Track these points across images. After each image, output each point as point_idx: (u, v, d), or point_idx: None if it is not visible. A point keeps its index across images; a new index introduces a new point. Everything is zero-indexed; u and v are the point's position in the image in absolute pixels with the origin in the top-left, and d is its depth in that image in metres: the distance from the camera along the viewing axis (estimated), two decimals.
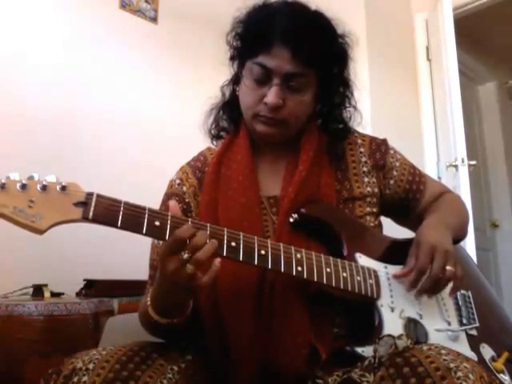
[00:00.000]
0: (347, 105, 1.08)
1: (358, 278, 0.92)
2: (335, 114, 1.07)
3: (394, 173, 1.10)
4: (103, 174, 2.25)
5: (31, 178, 0.72)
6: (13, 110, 2.16)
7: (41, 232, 0.70)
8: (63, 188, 0.73)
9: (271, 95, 0.95)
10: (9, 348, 1.51)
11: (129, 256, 2.03)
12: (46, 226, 0.70)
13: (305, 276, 0.87)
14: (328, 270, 0.89)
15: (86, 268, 2.08)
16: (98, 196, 0.75)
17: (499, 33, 3.72)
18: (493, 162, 4.11)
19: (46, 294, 1.83)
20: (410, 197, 1.12)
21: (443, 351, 0.74)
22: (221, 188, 1.00)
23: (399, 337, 0.80)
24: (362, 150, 1.09)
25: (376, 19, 2.72)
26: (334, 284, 0.89)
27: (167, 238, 0.77)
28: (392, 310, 0.93)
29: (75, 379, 0.76)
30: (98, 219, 0.74)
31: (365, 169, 1.07)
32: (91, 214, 0.73)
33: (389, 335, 0.82)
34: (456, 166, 2.49)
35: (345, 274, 0.91)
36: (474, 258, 2.24)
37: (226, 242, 0.81)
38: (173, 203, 0.83)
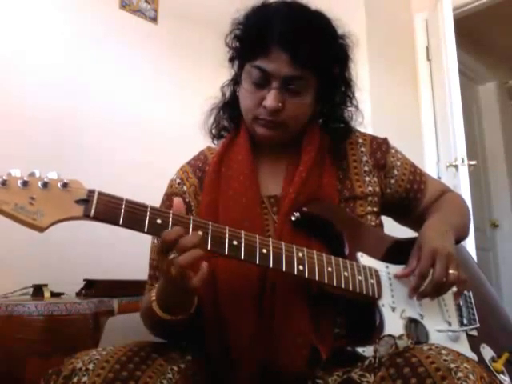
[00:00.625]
0: (348, 104, 1.08)
1: (360, 277, 0.92)
2: (337, 113, 1.07)
3: (395, 172, 1.10)
4: (103, 174, 2.25)
5: (32, 174, 0.71)
6: (13, 110, 2.16)
7: (42, 229, 0.69)
8: (65, 185, 0.72)
9: (270, 99, 0.95)
10: (9, 348, 1.51)
11: (129, 256, 2.03)
12: (47, 223, 0.69)
13: (306, 275, 0.86)
14: (329, 269, 0.89)
15: (85, 268, 2.08)
16: (100, 193, 0.74)
17: (499, 33, 3.73)
18: (493, 162, 4.11)
19: (46, 293, 1.83)
20: (410, 196, 1.12)
21: (444, 351, 0.74)
22: (221, 188, 1.00)
23: (400, 337, 0.80)
24: (363, 149, 1.09)
25: (376, 19, 2.73)
26: (335, 283, 0.89)
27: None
28: (393, 309, 0.93)
29: (75, 379, 0.76)
30: (100, 217, 0.73)
31: (366, 168, 1.07)
32: (93, 211, 0.73)
33: (389, 335, 0.82)
34: (456, 166, 2.49)
35: (346, 274, 0.91)
36: (474, 258, 2.23)
37: (227, 240, 0.81)
38: (178, 200, 0.83)
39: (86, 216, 0.73)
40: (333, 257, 0.91)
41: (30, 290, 1.89)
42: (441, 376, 0.69)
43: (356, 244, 0.97)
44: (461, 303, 1.04)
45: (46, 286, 1.86)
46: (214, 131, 1.13)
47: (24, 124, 2.18)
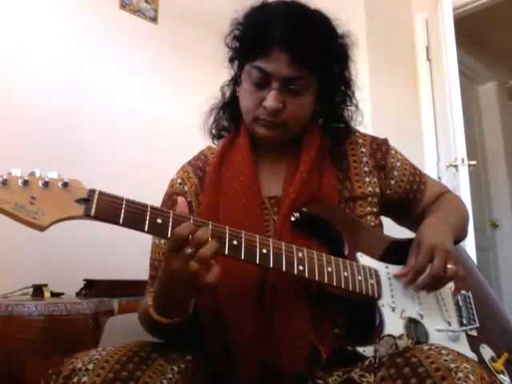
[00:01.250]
0: (348, 104, 1.08)
1: (359, 277, 0.92)
2: (337, 113, 1.07)
3: (395, 173, 1.10)
4: (103, 174, 2.25)
5: (33, 174, 0.72)
6: (13, 110, 2.16)
7: (42, 228, 0.69)
8: (65, 184, 0.72)
9: (270, 99, 0.95)
10: (9, 348, 1.51)
11: (129, 256, 2.03)
12: (48, 222, 0.69)
13: (306, 275, 0.86)
14: (329, 269, 0.89)
15: (85, 268, 2.08)
16: (100, 193, 0.74)
17: (499, 33, 3.73)
18: (493, 162, 4.12)
19: (46, 293, 1.83)
20: (410, 197, 1.12)
21: (444, 351, 0.74)
22: (222, 188, 1.00)
23: (400, 337, 0.80)
24: (363, 149, 1.09)
25: (376, 19, 2.73)
26: (334, 283, 0.89)
27: (169, 235, 0.77)
28: (393, 309, 0.93)
29: (75, 379, 0.76)
30: (100, 216, 0.73)
31: (366, 169, 1.07)
32: (93, 210, 0.73)
33: (389, 335, 0.82)
34: (456, 166, 2.49)
35: (346, 274, 0.91)
36: (474, 258, 2.24)
37: (227, 240, 0.81)
38: (181, 199, 0.83)
39: (87, 215, 0.73)
40: (332, 257, 0.91)
41: (30, 290, 1.89)
42: (441, 376, 0.69)
43: (356, 244, 0.97)
44: (460, 303, 1.04)
45: (46, 285, 1.86)
46: (214, 131, 1.13)
47: (24, 124, 2.18)
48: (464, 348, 0.96)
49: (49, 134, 2.24)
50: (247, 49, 0.99)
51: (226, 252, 0.81)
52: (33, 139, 2.18)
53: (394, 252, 1.01)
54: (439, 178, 2.74)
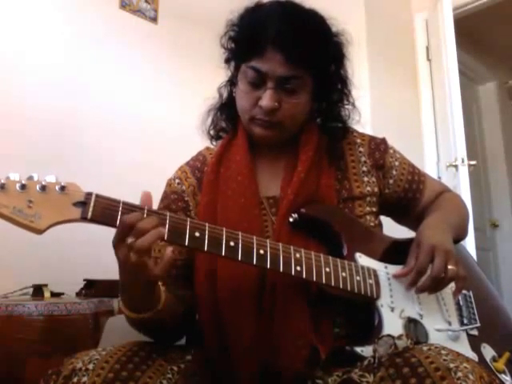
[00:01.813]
0: (345, 102, 1.08)
1: (358, 277, 0.92)
2: (334, 111, 1.07)
3: (394, 172, 1.10)
4: (103, 174, 2.25)
5: (31, 178, 0.72)
6: (13, 110, 2.16)
7: (39, 232, 0.70)
8: (62, 188, 0.73)
9: (266, 99, 0.95)
10: (9, 348, 1.51)
11: None
12: (45, 225, 0.70)
13: (304, 276, 0.86)
14: (327, 269, 0.89)
15: (85, 268, 2.08)
16: (97, 196, 0.75)
17: (499, 33, 3.73)
18: (493, 162, 4.12)
19: (46, 294, 1.83)
20: (409, 196, 1.12)
21: (443, 351, 0.74)
22: (220, 188, 1.00)
23: (399, 337, 0.80)
24: (361, 149, 1.09)
25: (376, 19, 2.73)
26: (333, 283, 0.89)
27: (166, 237, 0.77)
28: (392, 309, 0.93)
29: (75, 379, 0.76)
30: (97, 219, 0.74)
31: (364, 168, 1.07)
32: (90, 214, 0.73)
33: (388, 335, 0.82)
34: (456, 166, 2.49)
35: (344, 274, 0.91)
36: (474, 258, 2.23)
37: (224, 241, 0.81)
38: (146, 192, 0.80)
39: (84, 218, 0.73)
40: (331, 257, 0.91)
41: (30, 290, 1.89)
42: (440, 376, 0.69)
43: (354, 244, 0.97)
44: (461, 303, 1.04)
45: (46, 285, 1.87)
46: (212, 132, 1.13)
47: (24, 124, 2.18)
48: (465, 348, 0.95)
49: (49, 134, 2.24)
50: (242, 49, 0.99)
51: (223, 253, 0.81)
52: (33, 139, 2.18)
53: (394, 252, 1.01)
54: (439, 177, 2.74)
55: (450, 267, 0.92)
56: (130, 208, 0.76)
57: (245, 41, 0.98)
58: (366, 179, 1.06)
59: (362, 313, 0.94)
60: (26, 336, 1.51)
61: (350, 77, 1.07)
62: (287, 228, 0.95)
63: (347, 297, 0.91)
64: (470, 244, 2.31)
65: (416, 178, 1.13)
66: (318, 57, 0.96)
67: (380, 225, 1.09)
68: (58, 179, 0.74)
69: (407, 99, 2.87)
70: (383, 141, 1.13)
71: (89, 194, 0.74)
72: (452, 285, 0.98)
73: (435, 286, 0.93)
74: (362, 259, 0.96)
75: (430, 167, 2.79)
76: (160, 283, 0.85)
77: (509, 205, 4.06)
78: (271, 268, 0.85)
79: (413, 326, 0.93)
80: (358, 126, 1.11)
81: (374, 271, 0.95)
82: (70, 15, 2.43)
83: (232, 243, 0.82)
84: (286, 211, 0.96)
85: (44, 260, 2.07)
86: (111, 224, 0.75)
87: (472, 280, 1.10)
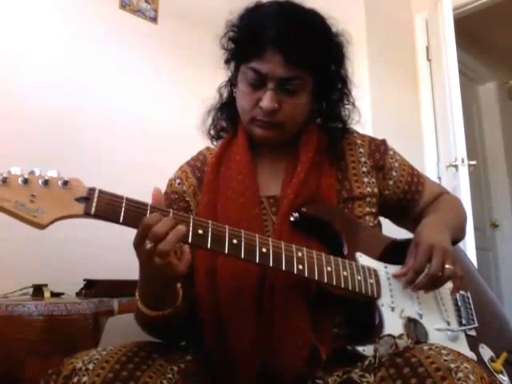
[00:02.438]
0: (345, 102, 1.08)
1: (359, 277, 0.92)
2: (334, 111, 1.07)
3: (393, 173, 1.10)
4: (103, 174, 2.24)
5: (33, 172, 0.72)
6: (13, 110, 2.16)
7: (42, 227, 0.70)
8: (65, 183, 0.72)
9: (266, 100, 0.95)
10: (9, 348, 1.51)
11: (129, 256, 2.03)
12: (48, 220, 0.70)
13: (306, 274, 0.87)
14: (329, 268, 0.89)
15: (85, 268, 2.08)
16: (100, 191, 0.74)
17: (499, 33, 3.73)
18: (493, 162, 4.12)
19: (46, 294, 1.83)
20: (408, 198, 1.12)
21: (444, 351, 0.74)
22: (220, 188, 1.00)
23: (399, 336, 0.80)
24: (361, 150, 1.09)
25: (376, 19, 2.73)
26: (334, 283, 0.89)
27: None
28: (392, 309, 0.93)
29: (75, 379, 0.76)
30: (100, 215, 0.73)
31: (364, 169, 1.07)
32: (93, 209, 0.73)
33: (389, 335, 0.82)
34: (456, 166, 2.49)
35: (345, 273, 0.91)
36: (474, 258, 2.23)
37: (227, 239, 0.81)
38: (156, 189, 0.81)
39: (87, 214, 0.73)
40: (332, 256, 0.91)
41: (30, 290, 1.89)
42: (441, 376, 0.69)
43: (355, 244, 0.98)
44: (459, 303, 1.04)
45: (46, 285, 1.86)
46: (212, 132, 1.13)
47: (24, 124, 2.18)
48: (463, 348, 0.96)
49: (49, 134, 2.24)
50: (242, 50, 0.99)
51: (226, 251, 0.81)
52: (33, 139, 2.18)
53: (393, 252, 1.01)
54: (439, 178, 2.74)
55: (447, 266, 0.93)
56: (133, 204, 0.76)
57: (244, 41, 0.98)
58: (366, 180, 1.06)
59: (361, 312, 0.94)
60: (26, 336, 1.51)
61: (350, 76, 1.07)
62: (288, 227, 0.95)
63: (348, 296, 0.91)
64: (469, 244, 2.30)
65: (415, 179, 1.13)
66: (318, 57, 0.96)
67: (379, 225, 1.09)
68: (59, 174, 0.73)
69: (407, 99, 2.87)
70: (383, 142, 1.13)
71: (92, 190, 0.74)
72: (450, 285, 0.98)
73: (432, 284, 0.94)
74: (363, 259, 0.96)
75: (429, 167, 2.79)
76: None
77: (509, 205, 4.06)
78: (273, 266, 0.85)
79: (413, 326, 0.93)
80: (358, 125, 1.12)
81: (375, 271, 0.95)
82: (70, 15, 2.43)
83: (235, 241, 0.82)
84: (287, 211, 0.96)
85: (44, 260, 2.07)
86: (114, 220, 0.74)
87: (470, 281, 1.11)
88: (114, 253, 2.22)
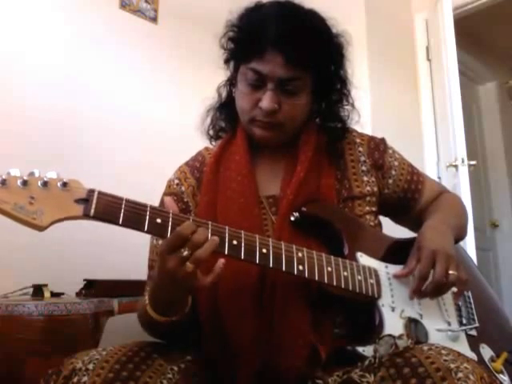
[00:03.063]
0: (345, 102, 1.08)
1: (359, 277, 0.92)
2: (333, 112, 1.07)
3: (393, 172, 1.10)
4: (103, 174, 2.25)
5: (32, 174, 0.71)
6: (13, 110, 2.16)
7: (41, 229, 0.69)
8: (64, 184, 0.72)
9: (266, 100, 0.95)
10: (9, 348, 1.51)
11: (129, 256, 2.03)
12: (47, 222, 0.69)
13: (306, 275, 0.86)
14: (329, 268, 0.89)
15: (85, 268, 2.08)
16: (100, 193, 0.74)
17: (499, 33, 3.72)
18: (493, 162, 4.11)
19: (46, 294, 1.83)
20: (408, 196, 1.12)
21: (444, 351, 0.74)
22: (219, 188, 1.00)
23: (400, 336, 0.80)
24: (360, 149, 1.09)
25: (376, 19, 2.72)
26: (334, 283, 0.89)
27: (168, 235, 0.77)
28: (393, 309, 0.93)
29: (75, 379, 0.76)
30: (100, 216, 0.73)
31: (364, 168, 1.07)
32: (92, 210, 0.73)
33: (389, 335, 0.82)
34: (456, 166, 2.49)
35: (346, 273, 0.91)
36: (474, 258, 2.23)
37: (227, 240, 0.81)
38: (168, 199, 0.82)
39: (86, 215, 0.73)
40: (332, 257, 0.91)
41: (30, 290, 1.89)
42: (441, 376, 0.69)
43: (355, 244, 0.97)
44: (460, 303, 1.04)
45: (46, 285, 1.86)
46: (211, 132, 1.13)
47: (24, 124, 2.18)
48: (464, 348, 0.95)
49: (49, 134, 2.24)
50: (242, 50, 0.99)
51: (226, 252, 0.81)
52: (33, 139, 2.18)
53: (394, 252, 1.01)
54: (439, 177, 2.74)
55: (451, 272, 0.92)
56: (133, 206, 0.76)
57: (244, 42, 0.98)
58: (365, 179, 1.06)
59: (361, 313, 0.94)
60: (26, 336, 1.51)
61: (349, 77, 1.07)
62: (288, 227, 0.95)
63: (348, 296, 0.91)
64: (470, 244, 2.31)
65: (415, 178, 1.13)
66: (318, 58, 0.96)
67: (379, 224, 1.09)
68: (59, 175, 0.73)
69: (407, 99, 2.87)
70: (382, 141, 1.13)
71: (91, 191, 0.74)
72: (454, 289, 0.98)
73: (437, 291, 0.93)
74: (363, 259, 0.96)
75: (429, 167, 2.79)
76: None
77: (509, 205, 4.06)
78: (274, 267, 0.85)
79: (413, 326, 0.93)
80: (358, 126, 1.12)
81: (375, 271, 0.95)
82: (70, 15, 2.43)
83: (235, 242, 0.82)
84: (287, 210, 0.96)
85: (44, 260, 2.07)
86: (113, 221, 0.74)
87: (471, 281, 1.10)
88: (114, 253, 2.22)
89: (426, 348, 0.76)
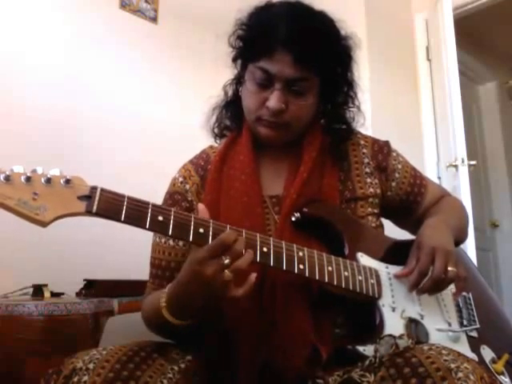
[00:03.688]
0: (351, 105, 1.08)
1: (360, 277, 0.92)
2: (339, 113, 1.07)
3: (396, 175, 1.10)
4: (103, 174, 2.23)
5: (35, 171, 0.72)
6: (13, 110, 2.16)
7: (44, 224, 0.70)
8: (67, 181, 0.73)
9: (273, 100, 0.95)
10: (9, 348, 1.51)
11: (129, 256, 2.03)
12: (50, 218, 0.70)
13: (306, 274, 0.87)
14: (330, 268, 0.89)
15: (85, 268, 2.08)
16: (102, 190, 0.75)
17: (499, 33, 3.73)
18: (493, 162, 4.11)
19: (46, 294, 1.82)
20: (410, 199, 1.12)
21: (444, 351, 0.74)
22: (223, 187, 1.00)
23: (400, 336, 0.80)
24: (364, 151, 1.09)
25: (376, 19, 2.73)
26: (335, 283, 0.89)
27: (170, 233, 0.77)
28: (393, 309, 0.93)
29: (75, 379, 0.76)
30: (102, 213, 0.74)
31: (367, 170, 1.07)
32: (95, 207, 0.73)
33: (390, 335, 0.82)
34: (456, 166, 2.49)
35: (346, 273, 0.91)
36: (474, 258, 2.23)
37: None
38: (201, 206, 0.84)
39: (88, 212, 0.73)
40: (333, 256, 0.91)
41: (30, 290, 1.89)
42: (441, 376, 0.69)
43: (356, 244, 0.98)
44: (460, 304, 1.04)
45: (46, 285, 1.86)
46: (216, 130, 1.13)
47: (24, 124, 2.18)
48: (464, 349, 0.96)
49: (49, 134, 2.24)
50: (251, 49, 0.99)
51: None
52: (33, 139, 2.17)
53: (395, 252, 1.02)
54: (439, 178, 2.74)
55: (450, 268, 0.92)
56: (135, 203, 0.76)
57: (254, 41, 0.98)
58: (368, 180, 1.06)
59: (362, 313, 0.94)
60: (26, 336, 1.51)
61: (356, 80, 1.07)
62: (290, 227, 0.95)
63: (349, 296, 0.91)
64: (470, 244, 2.31)
65: (418, 181, 1.13)
66: (326, 59, 0.96)
67: (381, 226, 1.09)
68: (62, 173, 0.74)
69: (407, 99, 2.87)
70: (386, 143, 1.13)
71: (94, 188, 0.74)
72: (452, 286, 0.98)
73: (436, 287, 0.94)
74: (364, 259, 0.96)
75: (430, 167, 2.79)
76: None
77: (509, 205, 4.06)
78: (274, 266, 0.85)
79: (414, 327, 0.93)
80: (361, 127, 1.12)
81: (376, 271, 0.96)
82: (70, 15, 2.43)
83: None
84: (289, 210, 0.96)
85: (44, 260, 2.07)
86: (116, 218, 0.75)
87: (471, 282, 1.11)
88: (114, 253, 2.22)
89: (426, 348, 0.76)
